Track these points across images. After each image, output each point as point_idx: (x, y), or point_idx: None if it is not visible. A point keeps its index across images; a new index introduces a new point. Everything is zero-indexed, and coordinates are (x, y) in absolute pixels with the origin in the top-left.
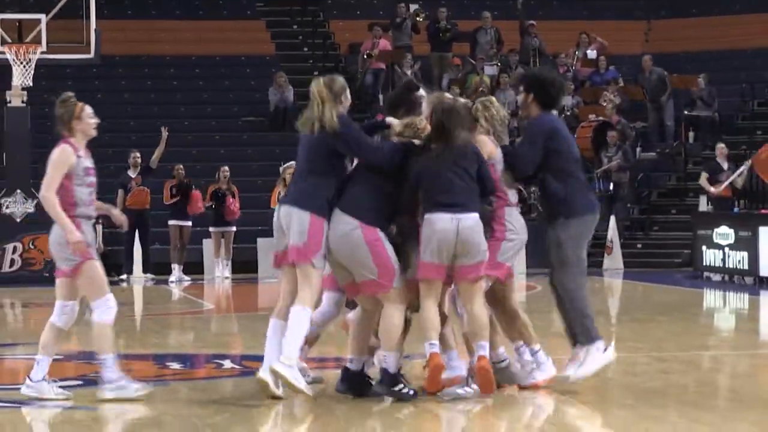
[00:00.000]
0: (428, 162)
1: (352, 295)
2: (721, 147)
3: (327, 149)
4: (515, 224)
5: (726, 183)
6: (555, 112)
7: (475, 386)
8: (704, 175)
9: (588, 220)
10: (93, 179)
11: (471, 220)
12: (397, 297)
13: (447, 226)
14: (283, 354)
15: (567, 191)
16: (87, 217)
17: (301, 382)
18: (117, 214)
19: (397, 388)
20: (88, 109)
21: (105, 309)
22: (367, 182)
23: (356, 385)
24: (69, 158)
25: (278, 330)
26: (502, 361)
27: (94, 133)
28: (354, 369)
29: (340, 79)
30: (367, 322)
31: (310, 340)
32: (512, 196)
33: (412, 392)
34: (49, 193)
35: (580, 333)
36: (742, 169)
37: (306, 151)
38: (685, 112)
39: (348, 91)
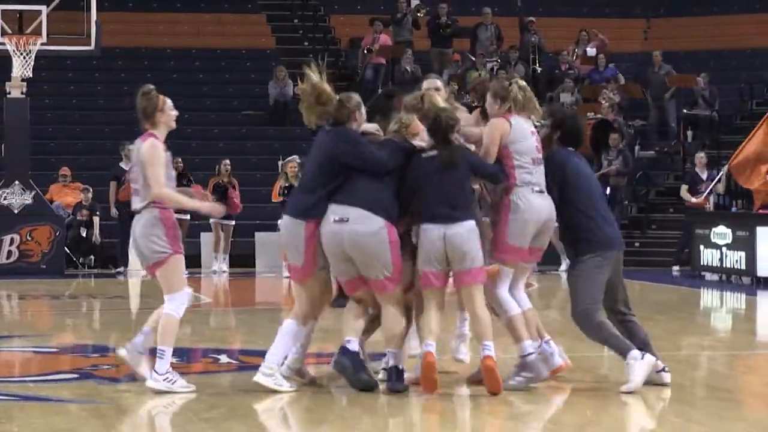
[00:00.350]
0: (422, 169)
1: (351, 292)
2: (700, 156)
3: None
4: (521, 204)
5: (706, 192)
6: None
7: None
8: (684, 187)
9: (597, 262)
10: (173, 172)
11: (460, 227)
12: (400, 295)
13: (434, 236)
14: (264, 363)
15: (584, 230)
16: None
17: (283, 386)
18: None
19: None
20: (170, 101)
21: (179, 304)
22: (382, 180)
23: (355, 362)
24: (162, 152)
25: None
26: (529, 354)
27: (174, 125)
28: (353, 349)
29: (355, 97)
30: (359, 309)
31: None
32: (534, 179)
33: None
34: (161, 189)
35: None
36: (720, 175)
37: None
38: (684, 111)
39: (363, 109)
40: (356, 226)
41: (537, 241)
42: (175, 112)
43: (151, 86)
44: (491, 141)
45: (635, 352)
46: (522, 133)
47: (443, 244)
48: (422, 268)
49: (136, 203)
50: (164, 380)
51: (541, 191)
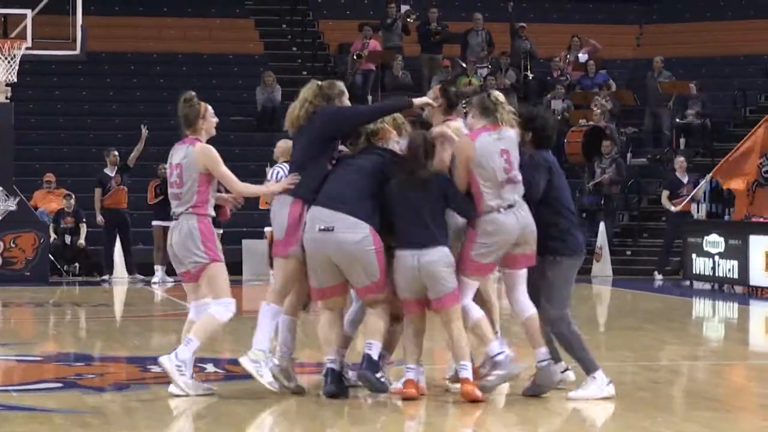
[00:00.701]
0: (397, 192)
1: (322, 298)
2: (680, 161)
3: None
4: (488, 228)
5: (688, 198)
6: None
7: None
8: (665, 193)
9: (574, 264)
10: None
11: (433, 254)
12: (385, 300)
13: (408, 264)
14: (251, 349)
15: (562, 229)
16: (212, 215)
17: (264, 377)
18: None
19: (378, 375)
20: (211, 108)
21: (225, 308)
22: (365, 185)
23: (341, 384)
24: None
25: (285, 325)
26: (543, 361)
27: (214, 132)
28: (338, 369)
29: (339, 84)
30: (337, 322)
31: (344, 343)
32: (502, 200)
33: (387, 383)
34: (238, 184)
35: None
36: (702, 183)
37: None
38: (677, 120)
39: (345, 97)
40: (342, 235)
41: (516, 249)
42: (215, 120)
43: (193, 93)
44: (458, 166)
45: (601, 373)
46: (487, 155)
47: (418, 272)
48: (402, 296)
49: (177, 208)
50: (176, 366)
51: (510, 205)
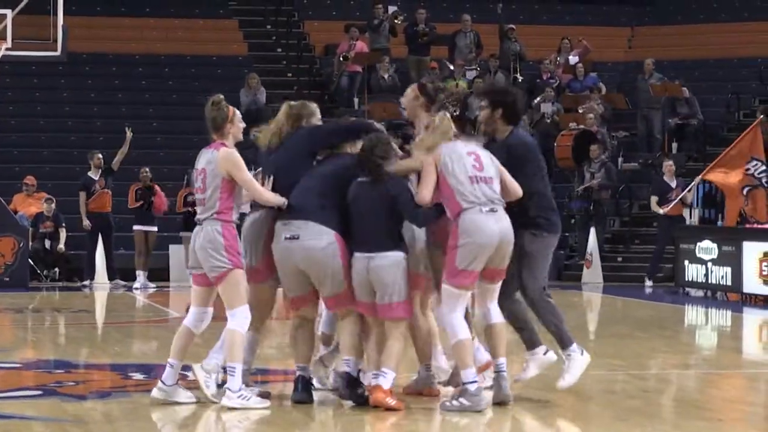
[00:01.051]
0: (353, 195)
1: (295, 307)
2: (668, 165)
3: None
4: (470, 227)
5: (676, 200)
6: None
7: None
8: (654, 199)
9: (553, 242)
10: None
11: (384, 259)
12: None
13: (360, 266)
14: (208, 358)
15: (539, 208)
16: (236, 222)
17: (210, 389)
18: None
19: (360, 391)
20: (239, 113)
21: (243, 318)
22: (329, 193)
23: (310, 392)
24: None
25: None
26: (501, 371)
27: (242, 137)
28: (307, 376)
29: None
30: (307, 332)
31: (327, 341)
32: (478, 198)
33: (366, 396)
34: (261, 191)
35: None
36: (691, 185)
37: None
38: (669, 120)
39: (315, 118)
40: (308, 242)
41: (494, 262)
42: (243, 124)
43: (221, 96)
44: (426, 171)
45: (576, 346)
46: (455, 156)
47: (367, 276)
48: (359, 298)
49: (201, 214)
50: (238, 397)
51: (492, 210)
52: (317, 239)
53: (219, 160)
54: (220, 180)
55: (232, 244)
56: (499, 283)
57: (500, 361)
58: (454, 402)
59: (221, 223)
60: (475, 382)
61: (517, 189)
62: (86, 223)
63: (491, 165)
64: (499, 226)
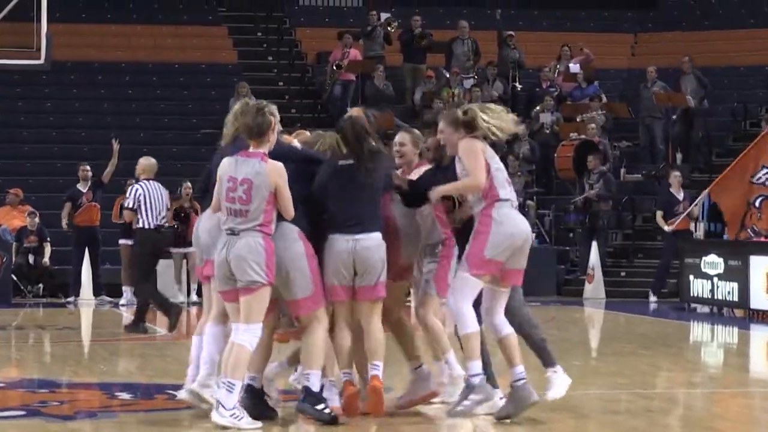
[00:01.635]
0: (335, 176)
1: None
2: (676, 176)
3: None
4: (504, 219)
5: (683, 215)
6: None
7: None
8: (659, 213)
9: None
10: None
11: (370, 240)
12: (322, 315)
13: (343, 247)
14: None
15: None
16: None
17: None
18: None
19: (320, 407)
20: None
21: (254, 336)
22: (297, 192)
23: (258, 403)
24: None
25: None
26: (519, 380)
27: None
28: (258, 387)
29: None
30: (265, 340)
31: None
32: (509, 193)
33: (332, 413)
34: (291, 210)
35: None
36: (699, 199)
37: None
38: (671, 120)
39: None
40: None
41: (512, 262)
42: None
43: (265, 102)
44: (476, 157)
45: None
46: (490, 153)
47: (352, 256)
48: (330, 281)
49: (239, 224)
50: (231, 416)
51: (516, 207)
52: (281, 239)
53: (270, 172)
54: (268, 193)
55: (271, 259)
56: (509, 289)
57: (518, 369)
58: (465, 403)
59: (263, 236)
60: (480, 374)
61: None
62: (64, 223)
63: None
64: (527, 224)
